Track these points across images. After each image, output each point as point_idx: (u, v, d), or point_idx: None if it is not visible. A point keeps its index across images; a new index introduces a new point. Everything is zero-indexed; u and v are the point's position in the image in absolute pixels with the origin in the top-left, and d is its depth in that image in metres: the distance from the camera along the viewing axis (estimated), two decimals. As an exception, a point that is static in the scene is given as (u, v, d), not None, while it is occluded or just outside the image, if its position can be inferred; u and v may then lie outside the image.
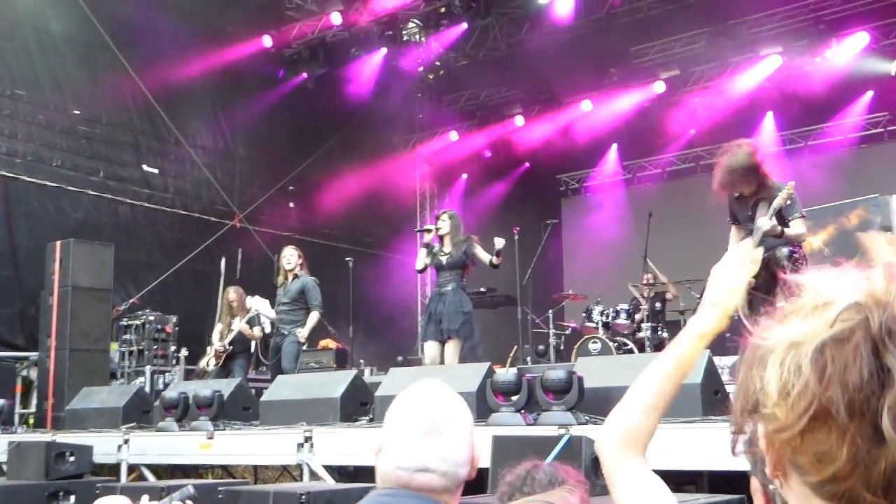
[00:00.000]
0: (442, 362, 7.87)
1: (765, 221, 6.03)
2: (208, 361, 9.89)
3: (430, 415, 1.98)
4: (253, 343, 10.04)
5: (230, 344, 9.69)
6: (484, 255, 8.04)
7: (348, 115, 15.46)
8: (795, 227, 6.17)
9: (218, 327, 9.99)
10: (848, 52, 13.73)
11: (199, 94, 13.64)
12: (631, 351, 10.27)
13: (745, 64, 14.57)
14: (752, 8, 13.98)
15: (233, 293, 9.97)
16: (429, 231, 8.32)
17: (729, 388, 6.12)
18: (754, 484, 1.79)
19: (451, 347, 7.84)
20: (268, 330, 9.96)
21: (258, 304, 9.81)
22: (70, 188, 12.22)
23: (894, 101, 14.62)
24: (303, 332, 9.04)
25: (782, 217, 6.14)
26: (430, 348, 8.02)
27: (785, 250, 6.08)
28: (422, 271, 8.46)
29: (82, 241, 10.39)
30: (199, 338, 11.18)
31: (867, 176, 13.50)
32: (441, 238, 8.23)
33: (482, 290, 12.96)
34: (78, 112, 12.42)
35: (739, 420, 0.93)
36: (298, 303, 9.12)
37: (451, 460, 1.94)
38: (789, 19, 13.97)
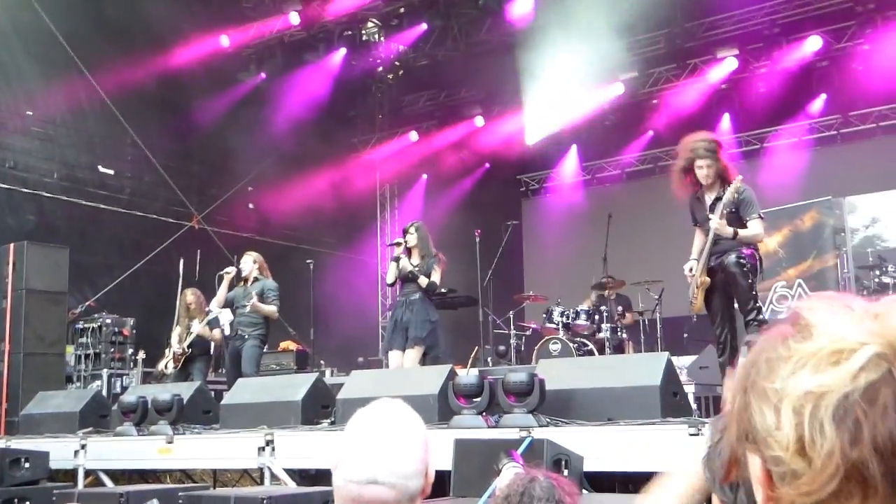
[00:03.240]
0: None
1: (714, 221, 6.02)
2: (166, 364, 9.81)
3: (380, 429, 2.01)
4: (212, 345, 9.99)
5: (189, 346, 9.62)
6: (435, 277, 8.11)
7: (307, 115, 15.40)
8: (752, 228, 6.08)
9: (176, 330, 9.92)
10: (801, 55, 13.99)
11: (155, 94, 13.51)
12: (591, 352, 10.34)
13: (702, 66, 14.78)
14: (709, 10, 14.17)
15: (191, 295, 9.92)
16: (399, 245, 8.38)
17: (687, 389, 6.23)
18: (715, 501, 1.78)
19: (413, 353, 7.87)
20: (227, 332, 9.91)
21: (224, 315, 9.76)
22: (24, 190, 12.04)
23: (847, 104, 14.92)
24: (254, 300, 8.93)
25: (739, 217, 6.10)
26: (395, 358, 8.02)
27: (732, 257, 5.97)
28: (392, 284, 8.50)
29: (36, 243, 10.26)
30: (157, 340, 11.07)
31: (821, 178, 13.77)
32: (409, 250, 8.28)
33: (443, 290, 12.97)
34: (31, 113, 12.25)
35: (735, 446, 0.92)
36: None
37: (399, 472, 1.96)
38: (745, 22, 14.18)
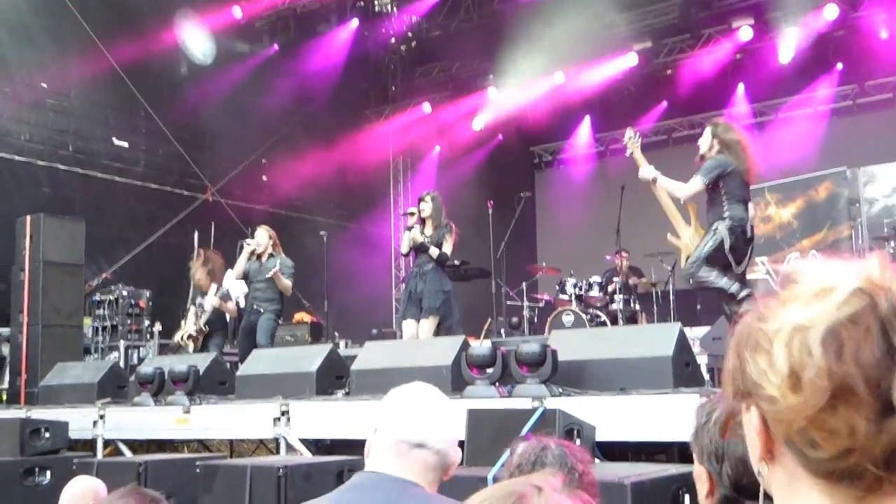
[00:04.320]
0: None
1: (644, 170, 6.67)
2: (182, 336, 9.86)
3: (428, 400, 2.18)
4: (227, 317, 10.02)
5: (206, 324, 9.66)
6: (446, 248, 8.11)
7: (320, 87, 15.38)
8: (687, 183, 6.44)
9: (192, 309, 9.90)
10: (817, 24, 13.82)
11: (168, 67, 13.51)
12: (604, 323, 10.36)
13: (716, 36, 14.65)
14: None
15: (200, 271, 9.88)
16: (412, 214, 8.36)
17: (700, 360, 6.24)
18: (698, 470, 1.92)
19: (428, 324, 7.88)
20: (242, 304, 9.95)
21: (237, 287, 9.77)
22: (39, 162, 12.10)
23: (864, 74, 14.77)
24: (276, 269, 8.96)
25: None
26: (409, 327, 8.03)
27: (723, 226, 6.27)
28: (406, 254, 8.49)
29: (52, 215, 10.31)
30: (173, 312, 11.15)
31: (836, 148, 13.66)
32: (423, 220, 8.27)
33: (456, 262, 13.00)
34: (46, 85, 12.28)
35: (733, 403, 0.97)
36: (274, 280, 9.07)
37: (445, 440, 2.12)
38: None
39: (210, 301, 9.61)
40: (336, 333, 12.54)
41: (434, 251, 8.04)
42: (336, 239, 12.81)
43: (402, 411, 2.15)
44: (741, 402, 0.96)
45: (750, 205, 6.56)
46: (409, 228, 8.24)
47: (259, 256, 9.17)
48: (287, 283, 9.06)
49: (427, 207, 8.23)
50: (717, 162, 6.42)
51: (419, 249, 8.17)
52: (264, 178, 15.15)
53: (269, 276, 8.90)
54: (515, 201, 11.47)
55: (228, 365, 8.45)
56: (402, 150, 18.22)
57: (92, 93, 12.80)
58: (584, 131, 17.83)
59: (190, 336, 9.72)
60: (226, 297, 9.69)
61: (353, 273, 14.44)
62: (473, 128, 17.12)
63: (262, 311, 9.02)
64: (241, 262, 9.12)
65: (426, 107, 17.25)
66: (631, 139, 7.01)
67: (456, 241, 8.26)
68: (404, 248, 8.39)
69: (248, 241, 9.19)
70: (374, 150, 17.06)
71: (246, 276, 9.24)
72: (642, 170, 6.76)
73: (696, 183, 6.41)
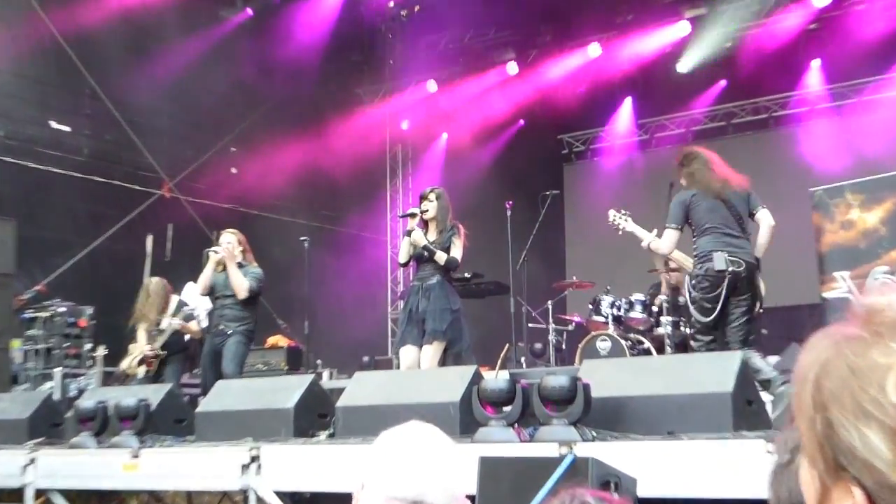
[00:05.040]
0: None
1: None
2: (132, 362, 9.86)
3: (425, 446, 2.15)
4: (187, 338, 10.02)
5: (163, 347, 9.65)
6: (455, 252, 8.08)
7: (303, 60, 15.38)
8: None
9: (143, 326, 9.93)
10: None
11: (120, 37, 13.52)
12: (648, 351, 10.32)
13: (787, 2, 14.61)
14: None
15: (154, 288, 9.96)
16: (413, 216, 8.32)
17: (766, 398, 6.20)
18: None
19: (431, 351, 7.81)
20: (204, 323, 9.94)
21: (188, 291, 9.78)
22: (-39, 150, 12.14)
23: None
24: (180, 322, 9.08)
25: None
26: (408, 355, 7.97)
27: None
28: (405, 264, 8.46)
29: (-24, 214, 10.32)
30: (121, 333, 11.11)
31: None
32: (426, 223, 8.23)
33: (466, 275, 12.98)
34: (-30, 57, 12.32)
35: (823, 477, 0.92)
36: (246, 294, 9.03)
37: (450, 494, 2.10)
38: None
39: (169, 321, 9.60)
40: (319, 361, 12.52)
41: (441, 256, 7.99)
42: (320, 245, 12.80)
43: (394, 460, 2.12)
44: (831, 477, 0.90)
45: (722, 223, 7.29)
46: (409, 233, 8.20)
47: (226, 267, 9.16)
48: (195, 329, 9.19)
49: (431, 207, 8.19)
50: (676, 201, 7.43)
51: (421, 258, 8.12)
52: (233, 170, 15.15)
53: (176, 327, 9.03)
54: (540, 201, 11.44)
55: (187, 398, 8.42)
56: (402, 138, 18.25)
57: (26, 66, 12.82)
58: (624, 116, 17.83)
59: (142, 361, 9.71)
60: (189, 317, 9.69)
61: (341, 287, 14.43)
62: (489, 111, 17.10)
63: (229, 332, 9.01)
64: (207, 275, 9.11)
65: (431, 85, 17.27)
66: (616, 217, 8.27)
67: (465, 245, 8.20)
68: (403, 257, 8.35)
69: (215, 248, 9.19)
70: (367, 137, 17.08)
71: (211, 292, 9.23)
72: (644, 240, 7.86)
73: (668, 233, 7.42)
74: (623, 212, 8.24)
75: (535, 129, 17.84)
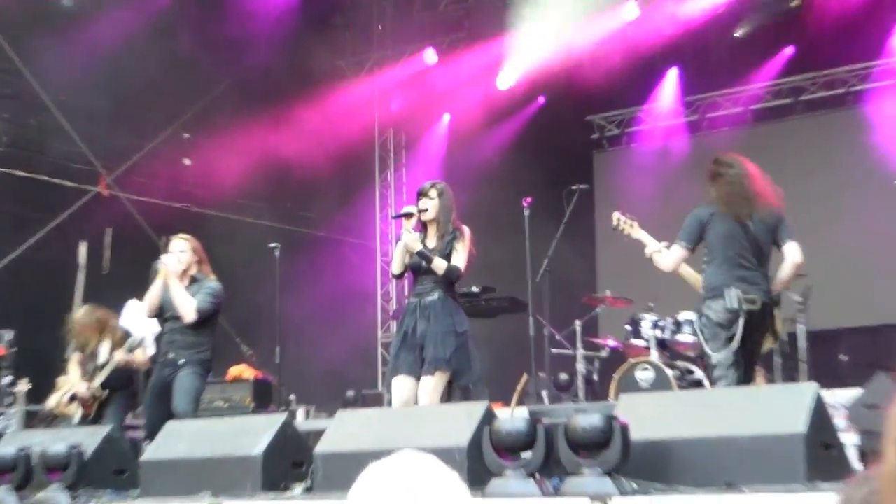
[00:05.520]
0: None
1: None
2: (61, 400, 9.86)
3: (423, 481, 2.06)
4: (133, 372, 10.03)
5: (104, 386, 9.65)
6: (457, 259, 8.04)
7: (272, 26, 15.39)
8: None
9: (75, 358, 9.91)
10: None
11: (49, 3, 13.55)
12: (699, 383, 10.31)
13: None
14: None
15: (81, 320, 10.01)
16: (409, 216, 8.25)
17: (846, 440, 6.19)
18: None
19: (433, 383, 7.74)
20: (151, 350, 9.93)
21: (130, 311, 9.78)
22: None
23: None
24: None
25: None
26: (402, 387, 7.91)
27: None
28: (400, 276, 8.42)
29: None
30: (48, 363, 11.13)
31: None
32: (425, 225, 8.19)
33: (475, 290, 12.99)
34: None
35: None
36: (201, 317, 9.03)
37: None
38: None
39: (109, 355, 9.61)
40: (292, 397, 12.53)
41: (439, 264, 7.93)
42: (293, 253, 12.78)
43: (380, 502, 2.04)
44: None
45: (737, 254, 7.49)
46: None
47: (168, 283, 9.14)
48: (141, 359, 9.28)
49: (431, 206, 8.15)
50: (692, 215, 7.69)
51: (419, 269, 8.09)
52: (186, 161, 15.18)
53: (118, 363, 9.09)
54: (564, 197, 11.42)
55: (131, 443, 8.41)
56: (394, 121, 18.27)
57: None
58: (667, 92, 17.82)
59: (73, 398, 9.70)
60: (133, 345, 9.67)
61: (320, 305, 14.42)
62: (499, 87, 17.11)
63: (180, 362, 8.99)
64: (154, 292, 9.08)
65: (430, 55, 17.28)
66: (621, 222, 8.45)
67: (472, 251, 8.16)
68: (396, 268, 8.32)
69: (165, 259, 9.14)
70: (351, 119, 17.08)
71: (159, 312, 9.21)
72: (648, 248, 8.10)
73: (675, 250, 7.72)
74: (628, 215, 8.48)
75: (558, 109, 17.81)
